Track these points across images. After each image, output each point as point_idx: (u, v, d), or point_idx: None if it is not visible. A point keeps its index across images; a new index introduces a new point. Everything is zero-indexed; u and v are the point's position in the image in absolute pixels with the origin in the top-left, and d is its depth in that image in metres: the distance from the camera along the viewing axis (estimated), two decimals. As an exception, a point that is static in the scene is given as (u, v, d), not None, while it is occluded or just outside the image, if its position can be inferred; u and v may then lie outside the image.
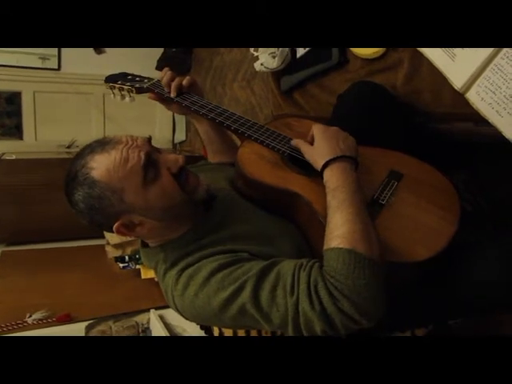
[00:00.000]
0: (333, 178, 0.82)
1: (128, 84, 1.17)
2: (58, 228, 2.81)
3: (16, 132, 3.47)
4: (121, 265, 2.44)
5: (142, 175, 0.78)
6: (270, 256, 0.81)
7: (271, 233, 0.88)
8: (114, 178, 0.77)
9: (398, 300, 0.80)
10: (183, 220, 0.86)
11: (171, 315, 2.00)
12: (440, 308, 0.88)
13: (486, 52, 0.89)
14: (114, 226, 0.80)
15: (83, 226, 0.85)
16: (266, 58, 1.47)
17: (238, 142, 1.07)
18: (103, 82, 1.23)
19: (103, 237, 2.63)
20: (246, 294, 0.73)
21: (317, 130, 0.90)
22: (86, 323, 2.05)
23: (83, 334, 2.00)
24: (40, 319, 2.06)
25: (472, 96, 0.94)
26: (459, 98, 0.97)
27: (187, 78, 1.09)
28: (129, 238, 2.38)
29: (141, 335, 2.07)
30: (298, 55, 1.47)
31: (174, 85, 1.07)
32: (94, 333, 2.02)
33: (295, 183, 0.90)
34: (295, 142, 0.93)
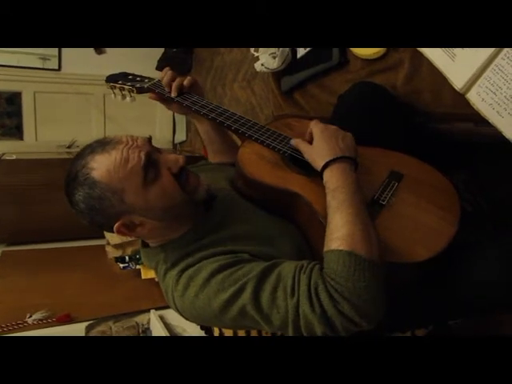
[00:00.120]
0: (332, 178, 0.82)
1: (129, 84, 1.17)
2: (58, 228, 2.81)
3: (16, 132, 3.47)
4: (121, 265, 2.44)
5: (142, 175, 0.78)
6: (270, 256, 0.81)
7: (271, 233, 0.88)
8: (115, 178, 0.77)
9: (398, 300, 0.80)
10: (183, 220, 0.86)
11: (171, 315, 2.00)
12: (440, 308, 0.88)
13: (486, 52, 0.89)
14: (115, 227, 0.80)
15: (83, 226, 0.85)
16: (267, 59, 1.47)
17: (239, 142, 1.07)
18: (104, 82, 1.23)
19: (103, 237, 2.63)
20: (247, 295, 0.73)
21: (315, 128, 0.90)
22: (86, 323, 2.05)
23: (83, 334, 2.00)
24: (40, 319, 2.06)
25: (472, 96, 0.94)
26: (459, 98, 0.97)
27: (188, 78, 1.09)
28: (129, 239, 2.38)
29: (141, 335, 2.07)
30: (299, 55, 1.47)
31: (174, 85, 1.07)
32: (94, 333, 2.02)
33: (295, 183, 0.90)
34: (294, 141, 0.93)
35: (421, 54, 1.05)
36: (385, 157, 0.99)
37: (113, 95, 1.23)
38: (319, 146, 0.87)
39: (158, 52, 3.63)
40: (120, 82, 1.19)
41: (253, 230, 0.88)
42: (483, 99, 0.92)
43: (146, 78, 1.19)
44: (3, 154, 3.05)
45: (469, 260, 0.82)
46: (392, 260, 0.78)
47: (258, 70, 1.52)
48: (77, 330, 2.01)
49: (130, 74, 1.22)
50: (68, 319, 2.07)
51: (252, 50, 1.52)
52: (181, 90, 1.08)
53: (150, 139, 0.84)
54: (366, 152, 0.95)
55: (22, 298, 2.26)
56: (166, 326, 1.95)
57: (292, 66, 1.49)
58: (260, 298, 0.73)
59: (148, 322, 2.13)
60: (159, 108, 3.64)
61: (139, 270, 2.42)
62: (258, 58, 1.50)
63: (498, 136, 0.90)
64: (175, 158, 0.83)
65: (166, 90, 1.10)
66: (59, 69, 3.50)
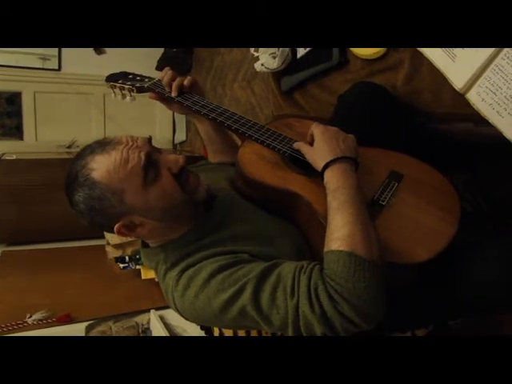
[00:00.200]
0: (333, 179, 0.82)
1: (129, 83, 1.17)
2: (58, 228, 2.81)
3: (16, 132, 3.47)
4: (121, 265, 2.44)
5: (142, 176, 0.78)
6: (270, 256, 0.81)
7: (271, 233, 0.88)
8: (115, 179, 0.77)
9: (398, 301, 0.80)
10: (183, 220, 0.86)
11: (171, 315, 2.00)
12: (440, 308, 0.88)
13: (486, 52, 0.89)
14: (115, 227, 0.80)
15: (83, 226, 0.85)
16: (267, 59, 1.47)
17: (239, 142, 1.07)
18: (104, 81, 1.23)
19: (103, 237, 2.63)
20: (247, 295, 0.73)
21: (316, 130, 0.90)
22: (86, 323, 2.05)
23: (83, 335, 2.00)
24: (40, 319, 2.06)
25: (472, 96, 0.94)
26: (459, 98, 0.97)
27: (188, 77, 1.09)
28: (129, 239, 2.37)
29: (141, 335, 2.07)
30: (299, 55, 1.47)
31: (174, 84, 1.07)
32: (94, 333, 2.02)
33: (295, 183, 0.90)
34: (296, 144, 0.93)
35: (421, 54, 1.05)
36: (385, 157, 0.99)
37: (113, 95, 1.23)
38: (320, 147, 0.87)
39: (158, 52, 3.63)
40: (120, 82, 1.19)
41: (253, 230, 0.88)
42: (483, 99, 0.92)
43: (146, 77, 1.19)
44: (3, 154, 3.05)
45: (469, 260, 0.82)
46: (392, 260, 0.78)
47: (257, 69, 1.52)
48: (77, 330, 2.01)
49: (130, 74, 1.22)
50: (68, 319, 2.07)
51: (252, 50, 1.52)
52: (181, 90, 1.08)
53: (150, 139, 0.84)
54: (366, 152, 0.95)
55: (21, 298, 2.26)
56: (166, 326, 1.95)
57: (292, 66, 1.49)
58: (260, 299, 0.73)
59: (148, 322, 2.13)
60: (159, 108, 3.68)
61: (139, 270, 2.42)
62: (257, 58, 1.50)
63: (498, 136, 0.89)
64: (175, 158, 0.83)
65: (167, 89, 1.09)
66: (59, 69, 3.50)
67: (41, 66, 3.46)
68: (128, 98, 1.20)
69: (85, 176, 0.78)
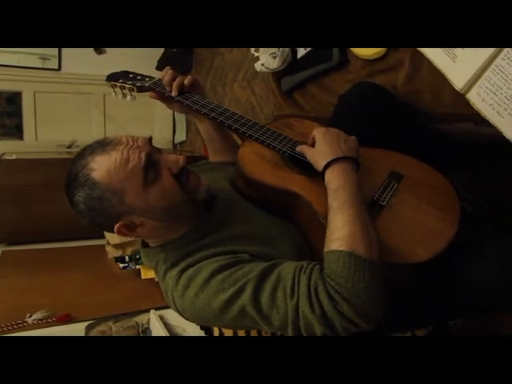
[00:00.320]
0: (334, 178, 0.82)
1: (129, 83, 1.17)
2: (58, 228, 2.81)
3: (16, 132, 3.47)
4: (121, 265, 2.44)
5: (142, 176, 0.78)
6: (270, 256, 0.81)
7: (271, 233, 0.88)
8: (115, 179, 0.77)
9: (398, 301, 0.81)
10: (184, 220, 0.86)
11: (171, 315, 2.00)
12: (440, 308, 0.88)
13: (486, 53, 0.89)
14: (115, 227, 0.80)
15: (83, 226, 0.85)
16: (267, 59, 1.47)
17: (239, 142, 1.07)
18: (104, 81, 1.23)
19: (103, 237, 2.63)
20: (247, 295, 0.73)
21: (318, 132, 0.90)
22: (86, 323, 2.05)
23: (83, 334, 2.00)
24: (40, 319, 2.06)
25: (473, 97, 0.94)
26: (460, 98, 0.97)
27: (189, 77, 1.09)
28: (129, 239, 2.37)
29: (141, 335, 2.07)
30: (299, 56, 1.47)
31: (175, 84, 1.07)
32: (93, 333, 2.02)
33: (295, 183, 0.90)
34: (299, 148, 0.93)
35: (421, 54, 1.05)
36: (385, 157, 0.99)
37: (113, 94, 1.23)
38: (321, 147, 0.87)
39: (158, 52, 3.63)
40: (121, 81, 1.19)
41: (253, 230, 0.88)
42: (483, 99, 0.92)
43: (146, 76, 1.19)
44: (3, 154, 3.05)
45: (469, 260, 0.82)
46: (392, 261, 0.78)
47: (258, 70, 1.52)
48: (77, 329, 2.01)
49: (130, 73, 1.22)
50: (68, 319, 2.07)
51: (252, 50, 1.52)
52: (181, 89, 1.08)
53: (150, 139, 0.84)
54: (366, 152, 0.95)
55: (21, 298, 2.26)
56: (166, 326, 1.95)
57: (292, 66, 1.49)
58: (260, 299, 0.73)
59: (148, 322, 2.13)
60: (159, 108, 3.69)
61: (139, 270, 2.42)
62: (258, 58, 1.50)
63: (498, 136, 0.89)
64: (175, 158, 0.83)
65: (167, 89, 1.09)
66: (59, 69, 3.50)
67: (41, 66, 3.46)
68: (128, 97, 1.20)
69: (85, 176, 0.78)
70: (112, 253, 2.53)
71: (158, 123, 3.90)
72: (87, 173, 0.78)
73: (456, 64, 0.96)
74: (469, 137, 1.20)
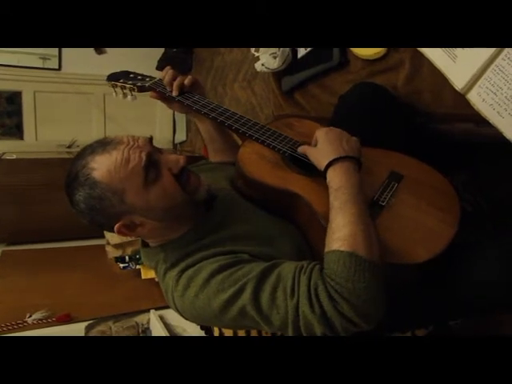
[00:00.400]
0: (336, 178, 0.82)
1: (130, 82, 1.17)
2: (58, 228, 2.81)
3: (16, 132, 3.47)
4: (121, 265, 2.44)
5: (143, 176, 0.78)
6: (270, 257, 0.81)
7: (271, 233, 0.88)
8: (115, 178, 0.77)
9: (398, 301, 0.80)
10: (184, 220, 0.86)
11: (171, 315, 2.00)
12: (440, 308, 0.88)
13: (487, 53, 0.89)
14: (115, 227, 0.80)
15: (83, 225, 0.85)
16: (267, 59, 1.47)
17: (240, 141, 1.07)
18: (104, 81, 1.23)
19: (103, 237, 2.63)
20: (247, 295, 0.73)
21: (320, 132, 0.90)
22: (86, 323, 2.05)
23: (83, 334, 2.00)
24: (40, 319, 2.06)
25: (473, 97, 0.94)
26: (460, 98, 0.97)
27: (189, 77, 1.09)
28: (129, 238, 2.37)
29: (141, 335, 2.07)
30: (299, 56, 1.47)
31: (175, 84, 1.07)
32: (93, 333, 2.02)
33: (295, 184, 0.90)
34: (301, 148, 0.93)
35: (421, 55, 1.05)
36: (385, 157, 0.99)
37: (114, 94, 1.23)
38: (323, 147, 0.87)
39: (158, 52, 3.62)
40: (121, 81, 1.19)
41: (253, 230, 0.88)
42: (484, 100, 0.91)
43: (147, 76, 1.19)
44: (3, 154, 3.06)
45: (469, 260, 0.82)
46: (391, 261, 0.78)
47: (258, 70, 1.52)
48: (76, 329, 2.01)
49: (131, 73, 1.22)
50: (68, 319, 2.07)
51: (252, 50, 1.52)
52: (182, 89, 1.08)
53: (151, 139, 0.84)
54: (366, 152, 0.95)
55: (21, 298, 2.26)
56: (166, 326, 1.95)
57: (292, 66, 1.49)
58: (260, 299, 0.73)
59: (148, 322, 2.13)
60: (159, 108, 3.69)
61: (139, 269, 2.42)
62: (258, 58, 1.50)
63: (498, 136, 0.89)
64: (176, 158, 0.83)
65: (168, 88, 1.09)
66: (59, 68, 3.50)
67: (41, 66, 3.46)
68: (129, 97, 1.20)
69: (85, 175, 0.78)
70: (112, 253, 2.53)
71: (159, 123, 3.90)
72: (88, 172, 0.78)
73: (456, 64, 0.95)
74: (469, 137, 1.20)
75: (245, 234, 0.86)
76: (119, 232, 0.81)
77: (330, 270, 0.71)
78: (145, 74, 1.20)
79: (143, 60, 3.27)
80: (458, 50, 0.94)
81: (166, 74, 1.09)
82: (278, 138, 0.98)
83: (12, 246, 2.95)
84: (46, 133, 3.51)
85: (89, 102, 3.57)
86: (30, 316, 2.07)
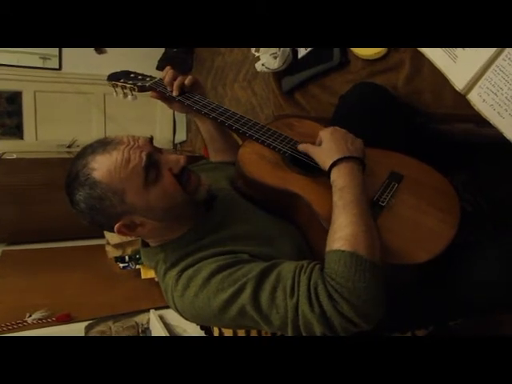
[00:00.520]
0: (340, 178, 0.82)
1: (130, 82, 1.17)
2: (58, 228, 2.81)
3: (16, 131, 3.47)
4: (121, 265, 2.44)
5: (143, 176, 0.78)
6: (269, 257, 0.80)
7: (271, 233, 0.88)
8: (115, 178, 0.77)
9: (398, 301, 0.81)
10: (184, 220, 0.86)
11: (171, 315, 1.99)
12: (440, 308, 0.88)
13: (487, 53, 0.89)
14: (115, 227, 0.80)
15: (83, 225, 0.85)
16: (267, 59, 1.47)
17: (240, 141, 1.07)
18: (104, 81, 1.23)
19: (103, 237, 2.63)
20: (246, 295, 0.73)
21: (325, 132, 0.91)
22: (86, 323, 2.05)
23: (83, 334, 2.00)
24: (40, 319, 2.06)
25: (473, 97, 0.94)
26: (460, 98, 0.97)
27: (189, 77, 1.09)
28: (129, 238, 2.37)
29: (140, 335, 2.07)
30: (300, 56, 1.47)
31: (176, 84, 1.07)
32: (93, 333, 2.02)
33: (295, 184, 0.90)
34: (302, 146, 0.93)
35: (421, 55, 1.05)
36: (385, 157, 0.99)
37: (114, 93, 1.23)
38: (328, 147, 0.87)
39: (159, 52, 3.63)
40: (122, 81, 1.19)
41: (253, 230, 0.88)
42: (484, 100, 0.91)
43: (147, 76, 1.19)
44: (3, 154, 3.05)
45: (469, 260, 0.82)
46: (392, 261, 0.78)
47: (258, 70, 1.52)
48: (76, 329, 2.01)
49: (131, 73, 1.22)
50: (68, 319, 2.07)
51: (253, 50, 1.52)
52: (182, 89, 1.08)
53: (151, 139, 0.84)
54: (366, 152, 0.94)
55: (21, 298, 2.26)
56: (166, 326, 1.95)
57: (293, 66, 1.49)
58: (259, 298, 0.73)
59: (148, 322, 2.13)
60: (159, 108, 3.69)
61: (139, 269, 2.42)
62: (258, 58, 1.50)
63: (498, 137, 0.89)
64: (176, 158, 0.83)
65: (168, 88, 1.09)
66: (60, 68, 3.50)
67: (41, 66, 3.46)
68: (129, 97, 1.20)
69: (86, 175, 0.78)
70: (112, 253, 2.53)
71: (159, 123, 3.90)
72: (88, 172, 0.78)
73: (457, 64, 0.95)
74: (469, 137, 1.20)
75: (245, 234, 0.86)
76: (119, 232, 0.81)
77: (330, 269, 0.71)
78: (145, 73, 1.20)
79: (143, 60, 3.27)
80: (459, 50, 0.94)
81: (167, 73, 1.09)
82: (278, 138, 0.98)
83: (12, 246, 2.94)
84: (46, 133, 3.52)
85: (89, 102, 3.57)
86: (30, 316, 2.06)
